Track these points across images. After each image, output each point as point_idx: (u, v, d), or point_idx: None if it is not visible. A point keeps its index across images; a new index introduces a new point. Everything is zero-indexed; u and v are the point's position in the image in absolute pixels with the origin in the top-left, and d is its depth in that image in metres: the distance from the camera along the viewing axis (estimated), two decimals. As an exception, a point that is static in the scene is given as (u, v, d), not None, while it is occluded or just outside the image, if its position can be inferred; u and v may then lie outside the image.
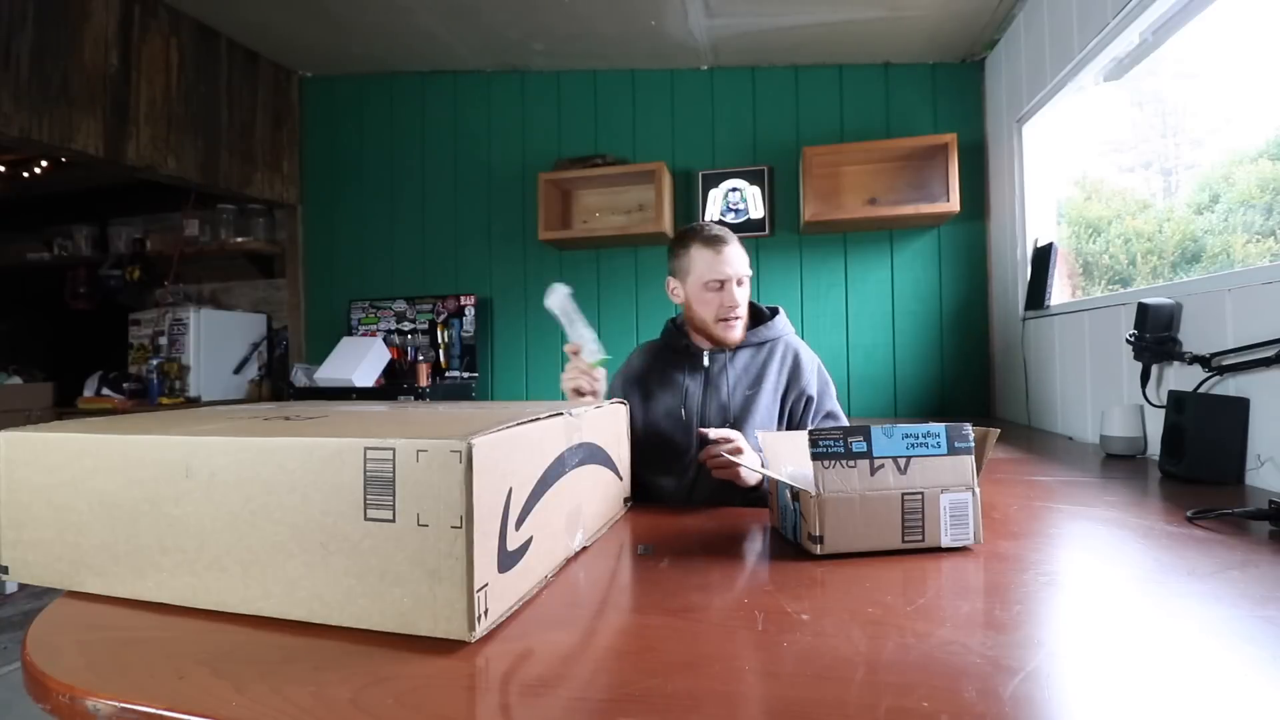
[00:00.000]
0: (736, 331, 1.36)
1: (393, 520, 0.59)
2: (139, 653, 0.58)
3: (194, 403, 3.14)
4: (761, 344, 1.41)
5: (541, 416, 0.74)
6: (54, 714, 0.52)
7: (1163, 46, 1.75)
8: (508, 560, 0.63)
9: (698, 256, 1.35)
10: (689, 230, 1.40)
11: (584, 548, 0.86)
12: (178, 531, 0.67)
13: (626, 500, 1.07)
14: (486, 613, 0.59)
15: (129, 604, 0.70)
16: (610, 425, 0.99)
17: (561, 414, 0.80)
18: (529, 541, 0.68)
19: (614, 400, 1.04)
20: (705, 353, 1.40)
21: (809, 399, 1.36)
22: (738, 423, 1.33)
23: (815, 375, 1.39)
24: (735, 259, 1.34)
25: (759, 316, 1.46)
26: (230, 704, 0.48)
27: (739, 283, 1.35)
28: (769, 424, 1.34)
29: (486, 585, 0.59)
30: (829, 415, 1.38)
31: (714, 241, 1.34)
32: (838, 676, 0.51)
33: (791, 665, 0.54)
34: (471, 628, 0.57)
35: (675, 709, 0.47)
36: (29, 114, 2.33)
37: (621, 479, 1.05)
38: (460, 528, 0.57)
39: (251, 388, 3.42)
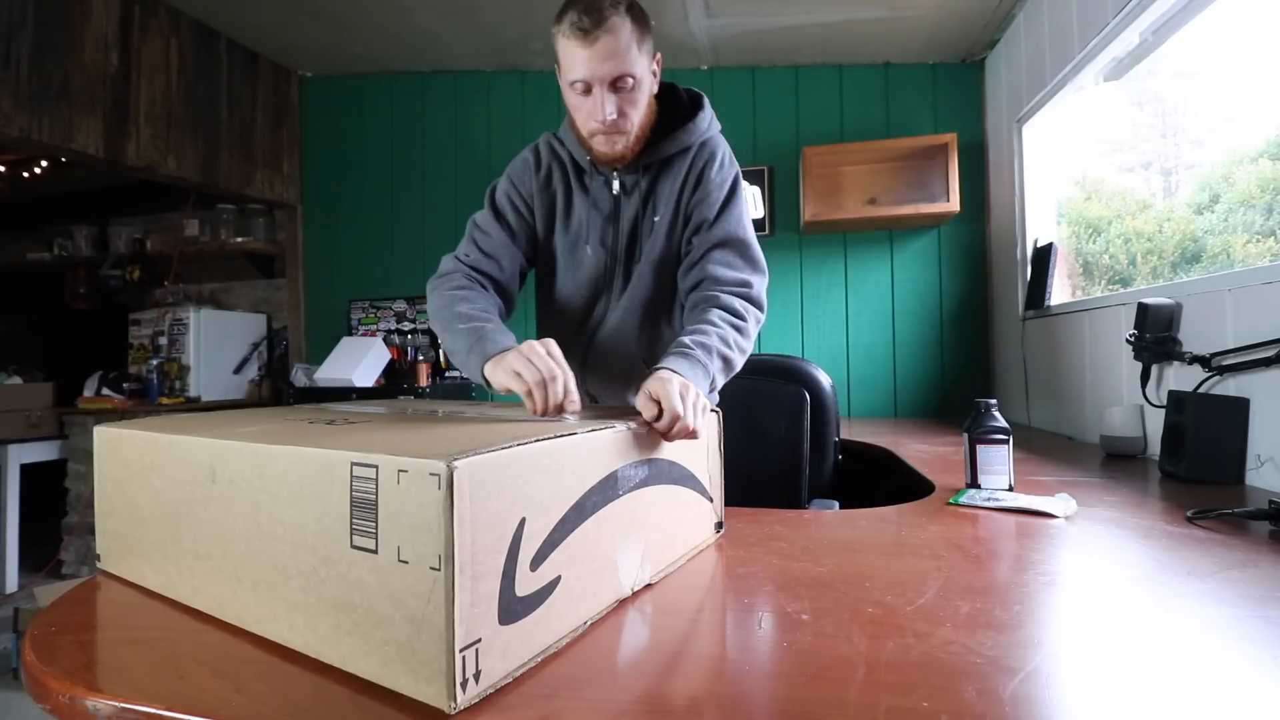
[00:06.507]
0: (617, 146, 1.05)
1: (375, 551, 0.50)
2: (139, 653, 0.58)
3: (194, 403, 3.14)
4: (675, 155, 1.12)
5: (580, 431, 0.63)
6: (54, 714, 0.52)
7: (1163, 46, 1.75)
8: (516, 609, 0.52)
9: (563, 48, 1.00)
10: (564, 4, 1.00)
11: (648, 585, 0.72)
12: (207, 537, 0.65)
13: (719, 525, 0.91)
14: (479, 675, 0.48)
15: (129, 604, 0.70)
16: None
17: (612, 426, 0.68)
18: (554, 583, 0.57)
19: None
20: (616, 174, 1.12)
21: (704, 221, 1.10)
22: (629, 261, 1.14)
23: (723, 189, 1.12)
24: (607, 53, 0.97)
25: (679, 114, 1.13)
26: (230, 704, 0.48)
27: (614, 85, 1.00)
28: (667, 262, 1.14)
29: (479, 642, 0.48)
30: (724, 244, 1.08)
31: (579, 30, 0.96)
32: (838, 676, 0.51)
33: (791, 665, 0.54)
34: (452, 697, 0.46)
35: (675, 709, 0.47)
36: (29, 114, 2.33)
37: (711, 500, 0.88)
38: (439, 569, 0.47)
39: (251, 388, 3.42)
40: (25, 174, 3.82)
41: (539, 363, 0.80)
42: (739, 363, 1.01)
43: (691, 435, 0.78)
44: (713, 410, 0.92)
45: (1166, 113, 2.08)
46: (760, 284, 1.09)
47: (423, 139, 3.30)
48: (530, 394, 0.80)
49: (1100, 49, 1.86)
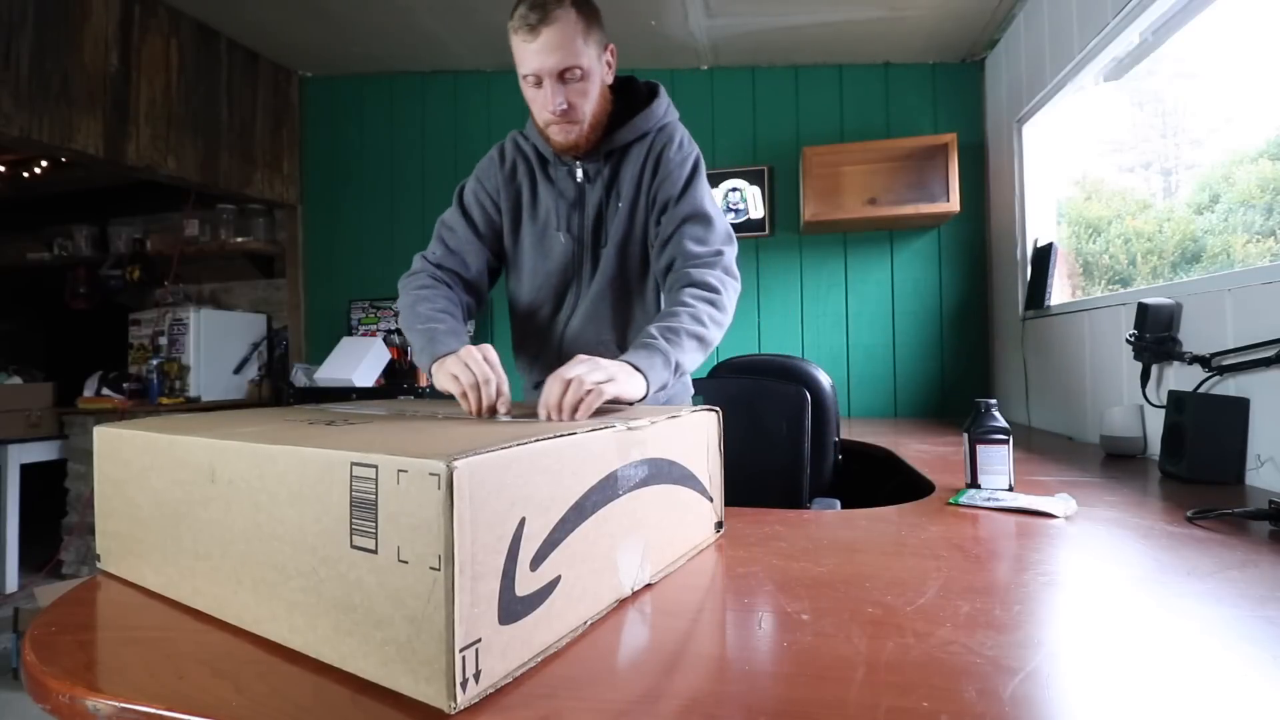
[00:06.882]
0: (571, 135, 1.10)
1: (375, 552, 0.50)
2: (139, 653, 0.58)
3: (194, 403, 3.14)
4: (633, 142, 1.17)
5: (580, 430, 0.63)
6: (54, 714, 0.52)
7: (1163, 46, 1.75)
8: (516, 608, 0.52)
9: (514, 43, 1.05)
10: (515, 5, 1.05)
11: (648, 585, 0.72)
12: (207, 538, 0.64)
13: (719, 525, 0.91)
14: (479, 675, 0.48)
15: (128, 604, 0.70)
16: (690, 437, 0.83)
17: (613, 426, 0.68)
18: (554, 582, 0.57)
19: (699, 408, 0.87)
20: (579, 163, 1.17)
21: (669, 199, 1.14)
22: (595, 246, 1.17)
23: (684, 167, 1.16)
24: (552, 45, 1.02)
25: (638, 104, 1.18)
26: (230, 704, 0.48)
27: (561, 77, 1.04)
28: (633, 243, 1.18)
29: (479, 641, 0.48)
30: (690, 219, 1.12)
31: (526, 25, 1.01)
32: (838, 676, 0.51)
33: (791, 665, 0.54)
34: (452, 697, 0.46)
35: (675, 709, 0.47)
36: (29, 114, 2.33)
37: (711, 499, 0.89)
38: (439, 569, 0.47)
39: (251, 388, 3.42)
40: (25, 174, 3.82)
41: (474, 367, 0.86)
42: (716, 336, 1.04)
43: (571, 410, 0.78)
44: (712, 410, 0.92)
45: (1166, 113, 2.08)
46: (731, 254, 1.13)
47: (423, 139, 3.30)
48: (465, 395, 0.86)
49: (1100, 49, 1.86)
